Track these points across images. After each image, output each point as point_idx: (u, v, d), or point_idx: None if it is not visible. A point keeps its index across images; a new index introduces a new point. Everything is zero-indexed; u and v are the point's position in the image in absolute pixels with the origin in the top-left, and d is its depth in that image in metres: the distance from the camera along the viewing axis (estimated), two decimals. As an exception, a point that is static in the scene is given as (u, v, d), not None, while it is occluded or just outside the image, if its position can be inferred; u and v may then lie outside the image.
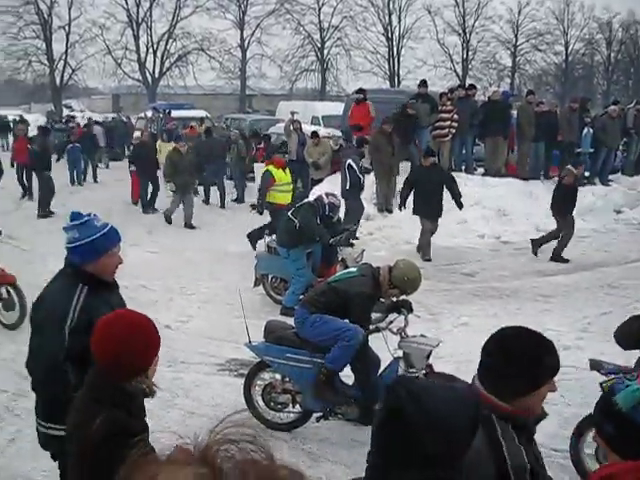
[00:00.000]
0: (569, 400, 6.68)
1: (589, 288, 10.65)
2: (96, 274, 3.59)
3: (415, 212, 12.17)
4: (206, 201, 18.34)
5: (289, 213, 9.44)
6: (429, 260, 11.79)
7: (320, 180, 15.40)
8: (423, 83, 15.76)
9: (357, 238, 12.66)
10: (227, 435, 0.95)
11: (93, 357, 2.81)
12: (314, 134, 16.01)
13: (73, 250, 3.58)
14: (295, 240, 9.18)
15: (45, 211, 16.20)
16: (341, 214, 11.06)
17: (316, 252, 9.61)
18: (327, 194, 9.71)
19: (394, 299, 6.07)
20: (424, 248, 12.04)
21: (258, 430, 1.01)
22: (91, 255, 3.56)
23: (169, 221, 15.44)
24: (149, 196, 17.14)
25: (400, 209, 12.60)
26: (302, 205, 9.60)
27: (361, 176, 12.91)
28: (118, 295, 3.83)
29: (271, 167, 11.72)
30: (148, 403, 6.65)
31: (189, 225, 15.07)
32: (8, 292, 8.76)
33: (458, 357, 7.15)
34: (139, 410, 2.86)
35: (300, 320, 5.96)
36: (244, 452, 0.93)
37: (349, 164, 12.92)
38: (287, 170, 12.12)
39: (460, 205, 12.05)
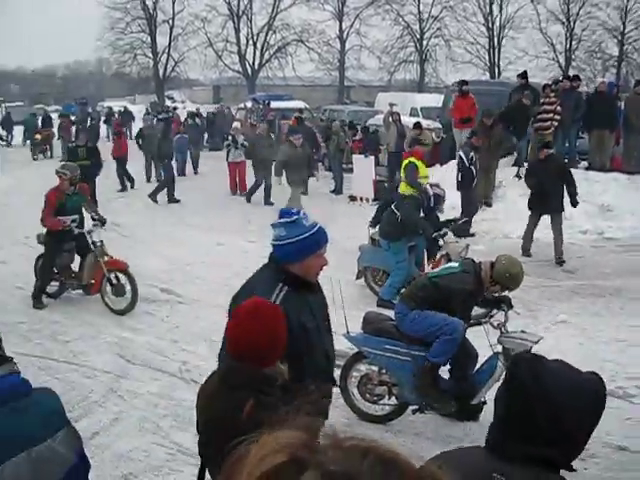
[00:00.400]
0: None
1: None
2: (299, 274, 3.50)
3: (530, 206, 11.82)
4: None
5: (392, 205, 9.42)
6: (529, 256, 11.52)
7: None
8: (524, 74, 15.42)
9: (472, 234, 12.50)
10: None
11: (229, 344, 2.90)
12: (417, 125, 15.87)
13: (279, 248, 3.50)
14: (397, 233, 9.16)
15: (171, 198, 16.86)
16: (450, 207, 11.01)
17: (420, 246, 9.57)
18: (432, 185, 9.66)
19: (495, 294, 5.99)
20: (526, 243, 11.76)
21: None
22: (297, 255, 3.47)
23: None
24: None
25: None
26: (405, 197, 9.56)
27: (472, 168, 12.78)
28: (320, 296, 3.76)
29: (413, 159, 11.41)
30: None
31: None
32: (117, 278, 9.12)
33: (555, 355, 6.93)
34: (279, 394, 2.93)
35: (400, 316, 5.96)
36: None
37: (459, 156, 12.80)
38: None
39: (575, 203, 11.46)
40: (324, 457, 0.80)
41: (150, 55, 48.53)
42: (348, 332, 6.06)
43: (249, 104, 30.22)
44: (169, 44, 47.96)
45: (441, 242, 9.64)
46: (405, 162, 11.04)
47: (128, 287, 9.04)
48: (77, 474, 2.45)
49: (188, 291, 9.94)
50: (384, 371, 6.05)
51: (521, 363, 1.92)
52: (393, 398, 6.05)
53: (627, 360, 7.48)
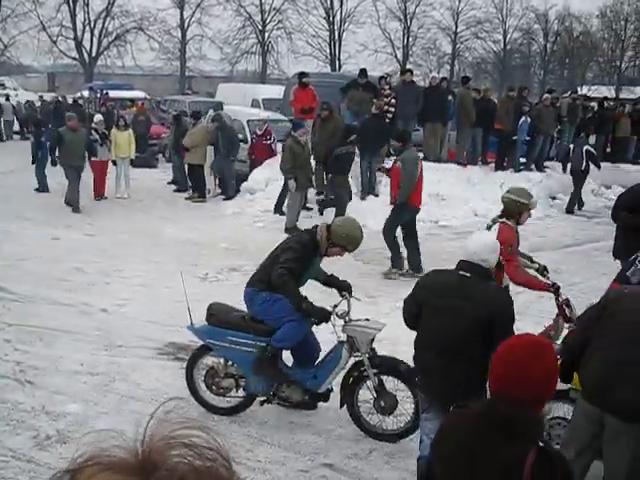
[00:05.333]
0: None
1: (524, 272, 10.87)
2: None
3: None
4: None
5: None
6: None
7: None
8: (364, 73, 15.66)
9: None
10: (179, 438, 0.80)
11: (505, 384, 2.64)
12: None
13: None
14: None
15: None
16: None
17: None
18: None
19: (338, 257, 6.03)
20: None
21: (209, 430, 0.85)
22: None
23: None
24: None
25: None
26: None
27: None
28: None
29: None
30: (83, 386, 6.55)
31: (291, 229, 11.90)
32: None
33: (394, 339, 7.22)
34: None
35: (248, 298, 5.89)
36: (203, 459, 0.79)
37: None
38: None
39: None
40: None
41: (-25, 36, 45.30)
42: (192, 324, 5.95)
43: (86, 93, 29.06)
44: (-3, 26, 45.00)
45: None
46: None
47: None
48: None
49: (22, 288, 9.42)
50: (230, 363, 5.98)
51: None
52: (240, 390, 6.00)
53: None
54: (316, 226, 5.94)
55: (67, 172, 14.63)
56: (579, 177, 15.53)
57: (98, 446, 0.80)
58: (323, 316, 5.63)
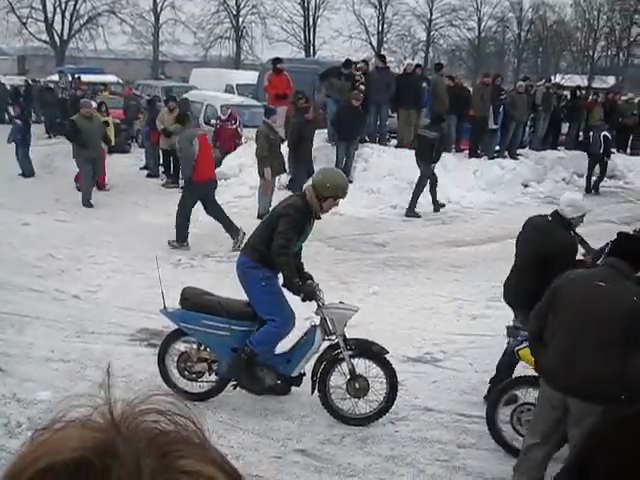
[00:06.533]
0: (476, 367, 6.90)
1: (497, 259, 10.93)
2: None
3: None
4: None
5: None
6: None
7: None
8: (348, 64, 15.47)
9: None
10: (150, 404, 0.79)
11: None
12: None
13: None
14: None
15: None
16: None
17: None
18: None
19: (333, 209, 6.02)
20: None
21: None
22: None
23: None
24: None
25: None
26: None
27: None
28: None
29: None
30: (55, 374, 6.50)
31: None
32: None
33: (367, 325, 7.26)
34: None
35: (242, 269, 5.84)
36: (176, 425, 0.78)
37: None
38: None
39: None
40: (117, 460, 0.72)
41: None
42: (165, 308, 5.92)
43: (56, 77, 28.68)
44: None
45: None
46: None
47: None
48: None
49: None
50: (203, 347, 5.96)
51: None
52: (213, 375, 5.99)
53: (433, 327, 7.92)
54: (303, 189, 5.98)
55: (82, 165, 13.60)
56: (595, 160, 16.71)
57: (70, 406, 0.80)
58: (311, 293, 5.65)
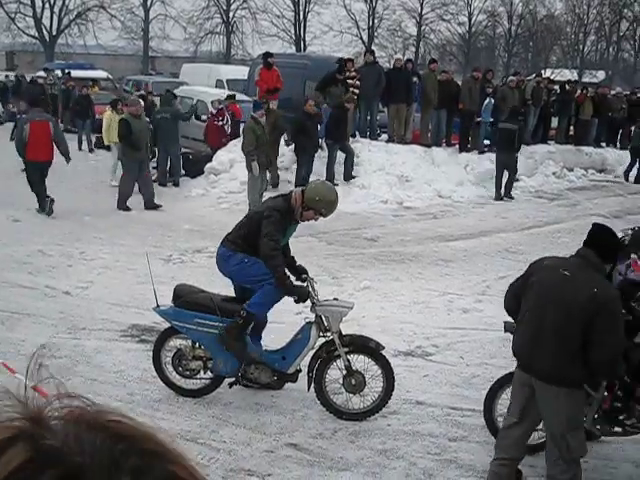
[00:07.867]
0: (467, 361, 6.93)
1: (487, 253, 11.01)
2: None
3: None
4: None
5: None
6: None
7: None
8: (341, 68, 15.41)
9: None
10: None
11: None
12: None
13: None
14: None
15: None
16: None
17: None
18: None
19: (313, 220, 5.99)
20: None
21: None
22: None
23: None
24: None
25: None
26: None
27: None
28: None
29: None
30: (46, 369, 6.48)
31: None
32: None
33: (360, 320, 7.27)
34: None
35: (223, 258, 5.86)
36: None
37: None
38: None
39: None
40: (47, 430, 0.69)
41: None
42: (158, 306, 5.91)
43: (42, 74, 28.48)
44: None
45: None
46: None
47: None
48: None
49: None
50: (198, 345, 5.95)
51: None
52: (208, 372, 5.98)
53: (425, 321, 7.94)
54: (292, 191, 5.95)
55: (129, 167, 12.90)
56: (637, 153, 17.84)
57: None
58: (304, 294, 5.67)
